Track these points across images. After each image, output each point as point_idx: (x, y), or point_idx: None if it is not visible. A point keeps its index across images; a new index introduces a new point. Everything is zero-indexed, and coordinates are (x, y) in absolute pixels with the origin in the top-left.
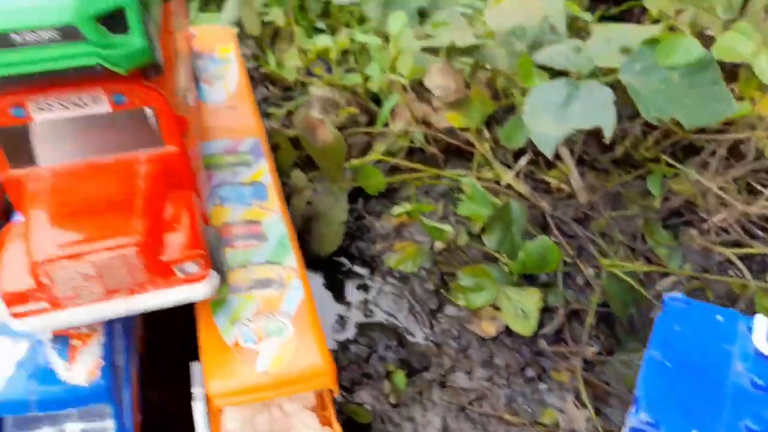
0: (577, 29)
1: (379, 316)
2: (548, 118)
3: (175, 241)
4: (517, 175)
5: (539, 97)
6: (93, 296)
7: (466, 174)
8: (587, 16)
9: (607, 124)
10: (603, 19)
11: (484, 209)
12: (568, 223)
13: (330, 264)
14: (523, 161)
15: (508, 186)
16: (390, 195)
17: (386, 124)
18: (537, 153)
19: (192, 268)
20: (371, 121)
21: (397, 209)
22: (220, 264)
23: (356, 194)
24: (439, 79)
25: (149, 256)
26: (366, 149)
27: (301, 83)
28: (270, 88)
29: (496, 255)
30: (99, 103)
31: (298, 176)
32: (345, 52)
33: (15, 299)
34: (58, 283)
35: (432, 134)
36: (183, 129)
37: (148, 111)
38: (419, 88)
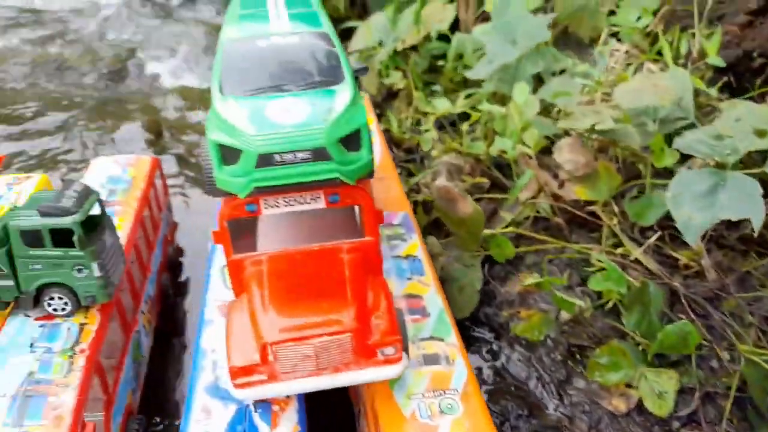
0: (701, 105)
1: (509, 383)
2: (693, 207)
3: (378, 327)
4: (645, 250)
5: (683, 185)
6: (305, 371)
7: (592, 247)
8: (712, 92)
9: (756, 217)
10: (722, 90)
11: (619, 287)
12: (698, 302)
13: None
14: (652, 238)
15: (635, 260)
16: (514, 261)
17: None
18: (663, 228)
19: (390, 351)
20: (493, 186)
21: (528, 279)
22: (406, 342)
23: (482, 259)
24: (569, 154)
25: (359, 341)
26: (491, 216)
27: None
28: (394, 150)
29: (625, 330)
30: (317, 201)
31: (433, 243)
32: (462, 116)
33: (241, 372)
34: (281, 360)
35: (558, 205)
36: (379, 222)
37: (356, 208)
38: (544, 157)
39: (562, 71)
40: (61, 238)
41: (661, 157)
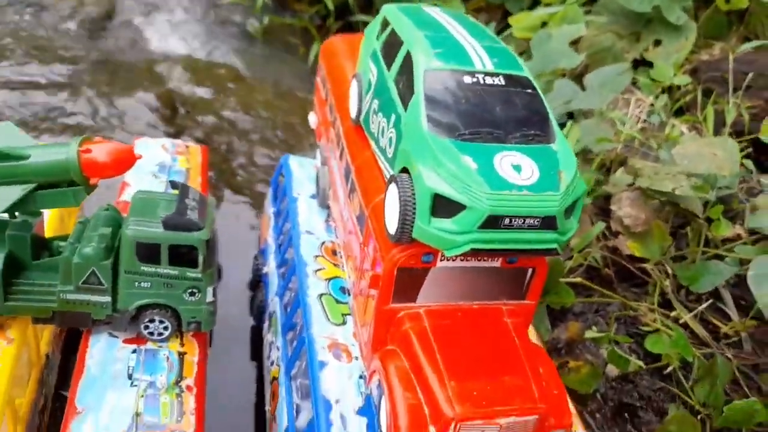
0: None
1: None
2: None
3: (555, 407)
4: (695, 316)
5: (764, 267)
6: None
7: (640, 304)
8: (749, 165)
9: None
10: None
11: (685, 355)
12: (750, 375)
13: None
14: (703, 305)
15: (677, 321)
16: (562, 309)
17: None
18: (710, 297)
19: None
20: None
21: (590, 333)
22: None
23: None
24: (630, 209)
25: (540, 423)
26: None
27: None
28: None
29: (675, 393)
30: (494, 260)
31: None
32: None
33: None
34: None
35: (610, 256)
36: (543, 284)
37: (529, 270)
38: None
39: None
40: (178, 255)
41: (719, 227)
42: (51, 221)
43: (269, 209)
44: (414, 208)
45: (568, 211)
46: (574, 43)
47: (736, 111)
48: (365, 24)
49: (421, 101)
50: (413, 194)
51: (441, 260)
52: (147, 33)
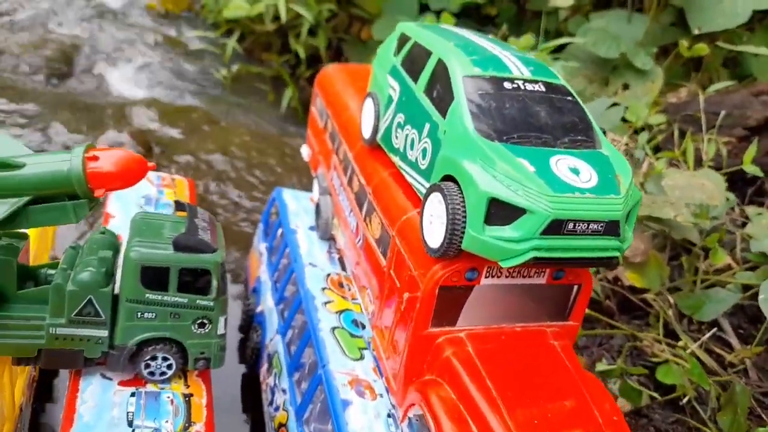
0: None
1: None
2: None
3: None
4: (700, 345)
5: None
6: None
7: (645, 335)
8: (731, 197)
9: None
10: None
11: (702, 384)
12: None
13: None
14: (708, 334)
15: (685, 350)
16: None
17: None
18: (710, 326)
19: None
20: None
21: (600, 366)
22: None
23: None
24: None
25: None
26: None
27: None
28: None
29: (691, 424)
30: (540, 276)
31: None
32: None
33: None
34: None
35: (609, 287)
36: (587, 302)
37: (575, 288)
38: None
39: None
40: (186, 281)
41: (716, 256)
42: (34, 249)
43: (260, 245)
44: (464, 217)
45: (627, 218)
46: None
47: (714, 146)
48: None
49: (464, 106)
50: (462, 201)
51: (486, 277)
52: (113, 78)
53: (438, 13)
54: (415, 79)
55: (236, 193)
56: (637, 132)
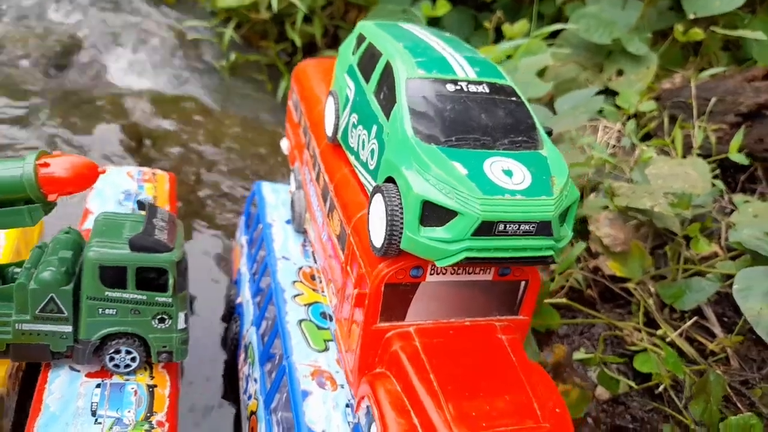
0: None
1: None
2: (761, 302)
3: (559, 426)
4: (681, 334)
5: (751, 280)
6: None
7: (625, 324)
8: (719, 185)
9: None
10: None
11: (676, 373)
12: (740, 391)
13: None
14: (689, 323)
15: (664, 339)
16: (547, 333)
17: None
18: (692, 315)
19: None
20: None
21: (578, 354)
22: None
23: None
24: (609, 229)
25: None
26: None
27: None
28: None
29: (668, 413)
30: (486, 273)
31: None
32: None
33: None
34: None
35: (591, 277)
36: (536, 298)
37: (522, 283)
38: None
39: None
40: (145, 279)
41: (698, 245)
42: (7, 251)
43: (241, 238)
44: (401, 218)
45: (562, 217)
46: (540, 74)
47: (703, 134)
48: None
49: (404, 109)
50: (400, 203)
51: (431, 274)
52: (111, 69)
53: (434, 0)
54: (367, 79)
55: (227, 183)
56: (630, 118)
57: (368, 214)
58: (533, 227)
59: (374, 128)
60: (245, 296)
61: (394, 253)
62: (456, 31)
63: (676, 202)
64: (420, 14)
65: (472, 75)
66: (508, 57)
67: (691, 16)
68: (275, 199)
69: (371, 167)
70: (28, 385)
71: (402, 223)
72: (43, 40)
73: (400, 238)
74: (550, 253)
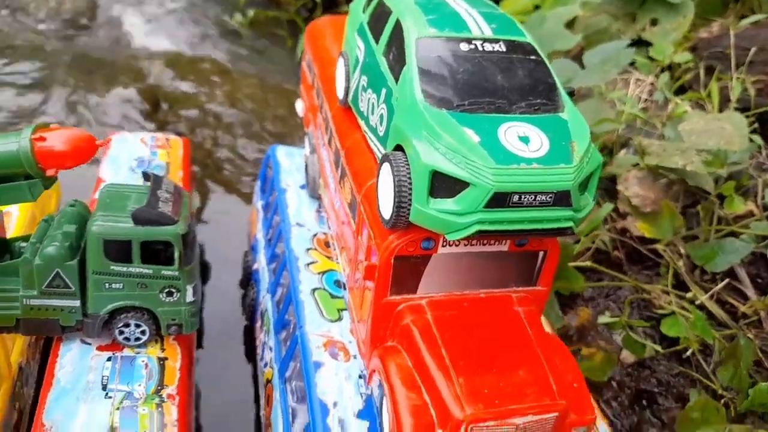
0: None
1: None
2: None
3: (576, 403)
4: (711, 296)
5: None
6: None
7: (653, 286)
8: (757, 139)
9: None
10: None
11: (705, 337)
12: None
13: None
14: (720, 285)
15: (693, 302)
16: (571, 296)
17: None
18: (725, 276)
19: (583, 431)
20: None
21: (603, 318)
22: None
23: None
24: (638, 189)
25: (560, 421)
26: None
27: None
28: None
29: (694, 377)
30: (502, 243)
31: None
32: None
33: None
34: None
35: (618, 238)
36: (555, 268)
37: (540, 254)
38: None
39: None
40: (152, 252)
41: (732, 204)
42: (20, 221)
43: (257, 203)
44: (410, 189)
45: (583, 185)
46: (569, 25)
47: (741, 86)
48: None
49: (413, 71)
50: (409, 173)
51: (443, 246)
52: (129, 29)
53: None
54: (377, 39)
55: (244, 146)
56: (664, 70)
57: (377, 184)
58: (551, 198)
59: (383, 92)
60: (261, 262)
61: (404, 225)
62: None
63: (710, 160)
64: None
65: (488, 32)
66: (536, 7)
67: None
68: (290, 163)
69: (380, 133)
70: (48, 354)
71: (411, 195)
72: (59, 3)
73: (409, 210)
74: (570, 224)
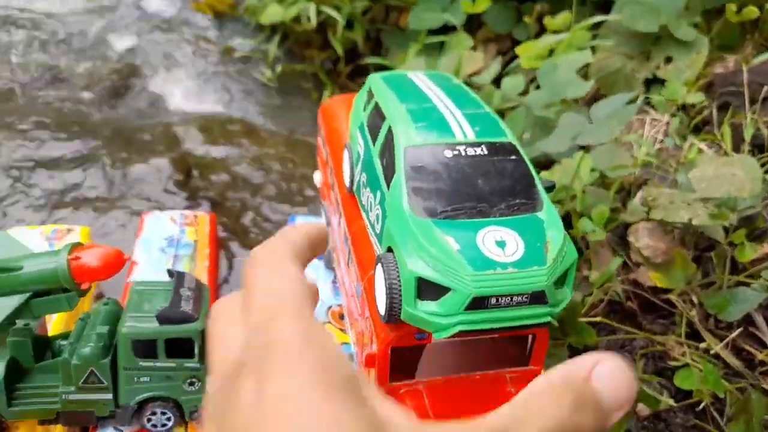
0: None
1: None
2: None
3: None
4: (726, 345)
5: None
6: None
7: (667, 338)
8: None
9: None
10: None
11: (716, 390)
12: None
13: None
14: (734, 334)
15: (708, 352)
16: (585, 348)
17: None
18: (741, 323)
19: None
20: None
21: None
22: None
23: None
24: (648, 240)
25: None
26: None
27: None
28: None
29: (710, 430)
30: (491, 332)
31: None
32: None
33: None
34: None
35: (631, 289)
36: (546, 348)
37: (530, 337)
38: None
39: None
40: (175, 346)
41: (744, 252)
42: (58, 317)
43: None
44: (400, 291)
45: (559, 281)
46: (584, 68)
47: (755, 125)
48: (376, 66)
49: (402, 181)
50: (398, 276)
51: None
52: (164, 92)
53: None
54: (374, 141)
55: (271, 208)
56: (680, 109)
57: (374, 281)
58: (527, 298)
59: (378, 194)
60: None
61: (396, 321)
62: (498, 26)
63: (716, 213)
64: (460, 12)
65: (471, 136)
66: (551, 52)
67: None
68: None
69: (377, 230)
70: None
71: (401, 296)
72: (101, 71)
73: (400, 309)
74: (547, 319)
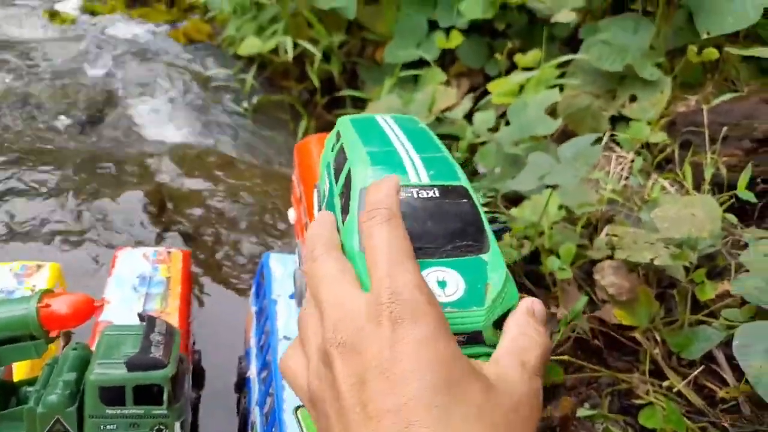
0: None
1: None
2: (762, 360)
3: None
4: (689, 383)
5: (749, 337)
6: None
7: (631, 376)
8: (732, 218)
9: None
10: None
11: (676, 428)
12: None
13: None
14: (695, 372)
15: (671, 389)
16: (553, 386)
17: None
18: (703, 360)
19: None
20: None
21: (582, 411)
22: None
23: None
24: (614, 278)
25: None
26: None
27: None
28: None
29: None
30: None
31: None
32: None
33: None
34: None
35: (597, 327)
36: None
37: None
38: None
39: None
40: (145, 393)
41: (704, 290)
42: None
43: (252, 308)
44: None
45: (500, 321)
46: (553, 105)
47: (714, 165)
48: (352, 99)
49: (353, 221)
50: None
51: None
52: (140, 120)
53: (447, 30)
54: (337, 180)
55: (245, 242)
56: (644, 147)
57: None
58: (464, 338)
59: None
60: (252, 371)
61: None
62: (470, 61)
63: (678, 254)
64: (434, 47)
65: (425, 179)
66: (521, 88)
67: (704, 35)
68: (282, 271)
69: None
70: None
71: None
72: (74, 99)
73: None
74: (486, 358)
